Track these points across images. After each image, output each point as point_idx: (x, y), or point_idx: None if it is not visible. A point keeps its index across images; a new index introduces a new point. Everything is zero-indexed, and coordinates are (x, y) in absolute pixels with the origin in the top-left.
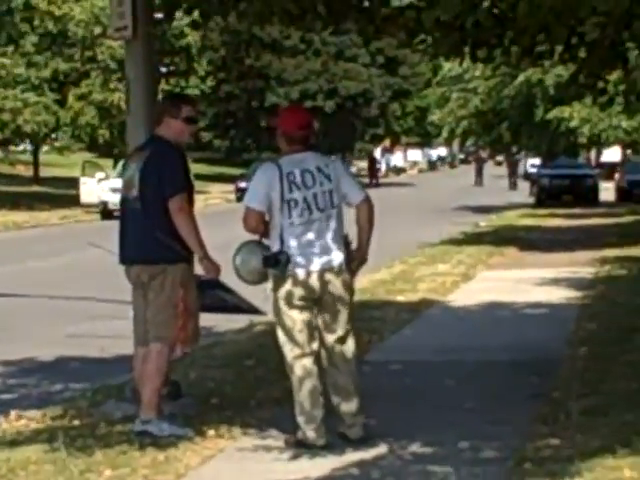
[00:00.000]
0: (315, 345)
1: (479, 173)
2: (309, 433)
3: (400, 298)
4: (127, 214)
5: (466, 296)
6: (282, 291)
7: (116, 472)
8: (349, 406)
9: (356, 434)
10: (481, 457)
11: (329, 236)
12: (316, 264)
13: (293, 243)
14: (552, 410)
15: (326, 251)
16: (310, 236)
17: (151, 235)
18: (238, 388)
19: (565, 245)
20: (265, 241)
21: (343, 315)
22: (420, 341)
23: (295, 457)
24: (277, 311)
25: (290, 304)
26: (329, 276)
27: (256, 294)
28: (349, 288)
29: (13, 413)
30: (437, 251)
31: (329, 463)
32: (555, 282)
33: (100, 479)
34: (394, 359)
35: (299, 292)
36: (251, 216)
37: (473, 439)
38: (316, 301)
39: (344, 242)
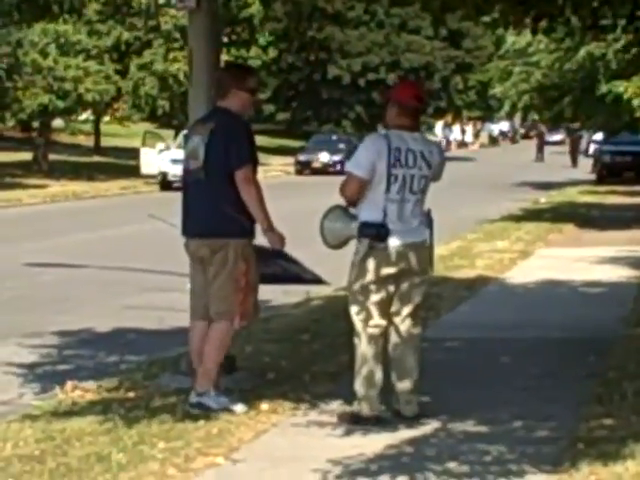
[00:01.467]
0: (386, 320)
1: (540, 149)
2: (365, 406)
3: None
4: (190, 185)
5: (524, 273)
6: (368, 262)
7: (170, 444)
8: (407, 383)
9: (411, 411)
10: (535, 437)
11: (417, 216)
12: (404, 240)
13: (387, 218)
14: (607, 390)
15: (414, 227)
16: (402, 214)
17: (216, 207)
18: (293, 363)
19: (625, 223)
20: (351, 210)
21: (420, 291)
22: (477, 318)
23: (348, 433)
24: (357, 281)
25: (373, 277)
26: (415, 252)
27: (317, 264)
28: (429, 265)
29: (69, 384)
30: (496, 227)
31: (383, 439)
32: (614, 260)
33: (154, 451)
34: (450, 336)
35: (385, 266)
36: (354, 183)
37: (527, 418)
38: (397, 275)
39: (427, 219)
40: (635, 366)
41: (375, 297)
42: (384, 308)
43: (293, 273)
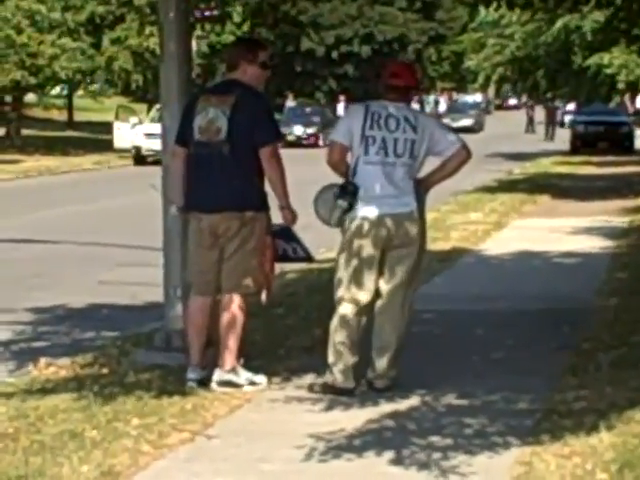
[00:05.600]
0: (368, 294)
1: (551, 124)
2: (337, 376)
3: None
4: (206, 159)
5: (498, 245)
6: (351, 230)
7: (144, 421)
8: (383, 357)
9: (382, 384)
10: (514, 409)
11: (404, 182)
12: (387, 207)
13: (367, 182)
14: (582, 361)
15: (399, 195)
16: (386, 178)
17: (246, 181)
18: (267, 337)
19: (599, 193)
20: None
21: (406, 265)
22: (451, 290)
23: (328, 408)
24: (342, 249)
25: (356, 245)
26: (397, 223)
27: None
28: (418, 236)
29: (43, 361)
30: (470, 199)
31: (363, 414)
32: (588, 231)
33: (128, 428)
34: (425, 308)
35: (368, 233)
36: (333, 149)
37: (504, 390)
38: (384, 245)
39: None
40: (609, 337)
41: (355, 266)
42: (364, 282)
43: (287, 253)
